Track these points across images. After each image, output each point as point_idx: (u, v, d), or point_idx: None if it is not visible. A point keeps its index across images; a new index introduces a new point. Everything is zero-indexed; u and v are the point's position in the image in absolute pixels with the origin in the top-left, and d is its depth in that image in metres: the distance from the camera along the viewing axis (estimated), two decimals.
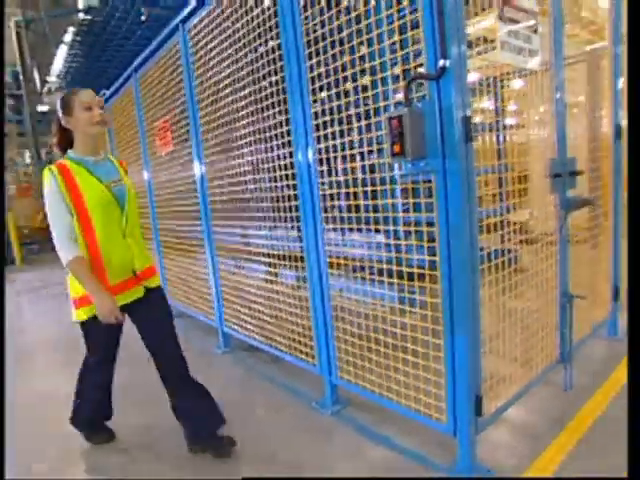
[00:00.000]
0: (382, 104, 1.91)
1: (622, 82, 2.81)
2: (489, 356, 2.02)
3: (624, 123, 2.81)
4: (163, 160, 3.98)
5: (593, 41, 3.20)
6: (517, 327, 2.19)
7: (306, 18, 2.15)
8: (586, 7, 3.05)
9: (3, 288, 4.63)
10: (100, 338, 2.11)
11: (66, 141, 2.02)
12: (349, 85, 2.07)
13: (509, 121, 3.44)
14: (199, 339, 3.90)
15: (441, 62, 1.64)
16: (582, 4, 2.99)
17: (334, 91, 2.10)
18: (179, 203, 3.82)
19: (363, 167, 2.09)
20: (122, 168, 2.15)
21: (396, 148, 1.72)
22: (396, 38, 1.81)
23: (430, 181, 1.79)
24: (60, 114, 1.97)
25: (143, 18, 4.98)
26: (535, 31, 2.14)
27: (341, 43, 2.03)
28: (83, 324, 2.05)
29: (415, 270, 1.92)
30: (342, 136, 2.12)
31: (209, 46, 2.91)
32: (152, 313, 2.13)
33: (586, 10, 3.09)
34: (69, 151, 2.00)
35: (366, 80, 1.99)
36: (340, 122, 2.11)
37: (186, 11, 3.25)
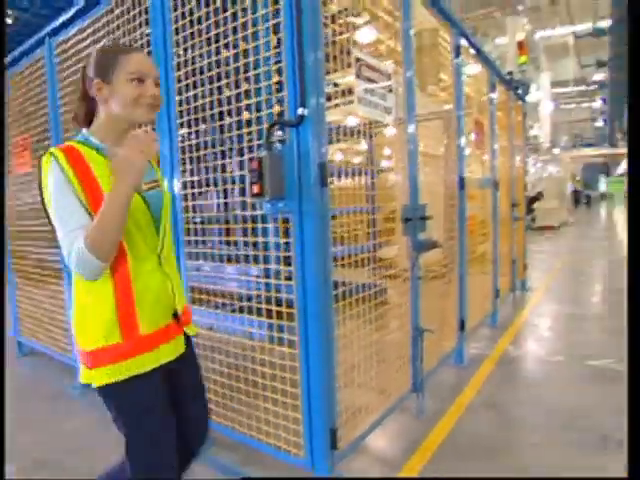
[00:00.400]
0: (246, 145, 1.97)
1: (463, 140, 3.27)
2: (348, 388, 2.12)
3: (466, 176, 3.26)
4: (24, 180, 3.56)
5: (450, 101, 3.70)
6: (375, 359, 2.34)
7: (178, 54, 2.16)
8: (445, 71, 3.52)
9: (3, 285, 3.83)
10: (146, 400, 1.29)
11: (91, 116, 1.34)
12: (218, 122, 2.11)
13: (380, 165, 3.74)
14: (53, 379, 3.52)
15: (300, 110, 1.76)
16: (440, 68, 3.45)
17: (198, 128, 2.12)
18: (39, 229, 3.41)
19: (227, 204, 2.11)
20: (156, 164, 1.49)
21: (256, 188, 1.77)
22: (262, 84, 1.90)
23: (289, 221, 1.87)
24: (90, 73, 1.28)
25: (10, 21, 4.57)
26: (390, 90, 2.41)
27: (211, 81, 2.07)
28: (104, 390, 1.27)
29: (274, 307, 1.96)
30: (207, 171, 2.13)
31: (80, 65, 2.75)
32: (191, 376, 1.50)
33: (445, 73, 3.56)
34: (83, 131, 1.31)
35: (228, 120, 2.04)
36: (206, 157, 2.13)
37: (57, 23, 3.05)
